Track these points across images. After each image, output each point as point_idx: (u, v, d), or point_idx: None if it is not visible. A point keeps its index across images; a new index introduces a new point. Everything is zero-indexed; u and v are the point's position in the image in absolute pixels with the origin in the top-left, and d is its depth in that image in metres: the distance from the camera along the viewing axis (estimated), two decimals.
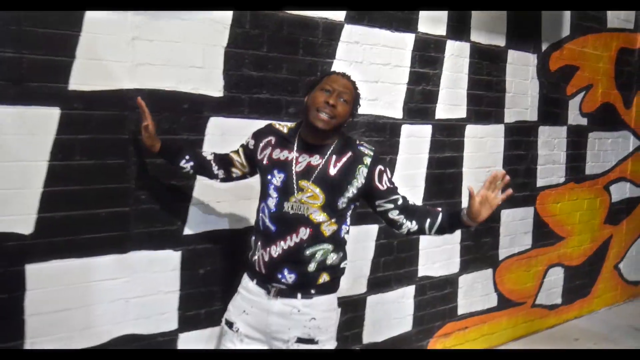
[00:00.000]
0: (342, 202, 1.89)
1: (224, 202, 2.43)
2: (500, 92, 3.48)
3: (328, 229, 1.89)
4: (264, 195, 1.95)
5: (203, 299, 2.42)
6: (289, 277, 1.88)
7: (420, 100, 3.06)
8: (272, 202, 1.90)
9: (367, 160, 1.90)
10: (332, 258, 1.92)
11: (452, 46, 3.16)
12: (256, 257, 1.94)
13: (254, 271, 1.97)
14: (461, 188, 3.33)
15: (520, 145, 3.66)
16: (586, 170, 4.19)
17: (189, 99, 2.28)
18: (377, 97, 2.86)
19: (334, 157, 1.90)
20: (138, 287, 2.25)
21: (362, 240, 2.92)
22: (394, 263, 3.08)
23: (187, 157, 2.11)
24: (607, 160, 4.36)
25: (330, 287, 1.97)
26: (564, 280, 4.19)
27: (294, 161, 1.90)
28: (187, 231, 2.34)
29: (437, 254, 3.28)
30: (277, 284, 1.89)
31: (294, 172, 1.88)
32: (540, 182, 3.84)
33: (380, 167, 1.92)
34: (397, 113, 2.97)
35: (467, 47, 3.24)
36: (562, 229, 4.08)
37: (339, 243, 1.94)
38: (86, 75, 2.03)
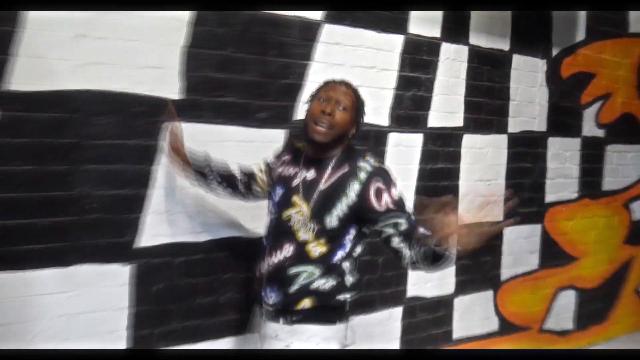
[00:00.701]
0: (330, 221, 1.71)
1: (180, 213, 2.25)
2: (504, 99, 3.21)
3: (315, 250, 1.73)
4: (269, 211, 1.89)
5: (157, 318, 2.24)
6: (270, 296, 1.78)
7: (410, 106, 2.83)
8: (271, 217, 1.85)
9: (363, 176, 1.70)
10: (319, 283, 1.74)
11: (447, 49, 2.92)
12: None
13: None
14: (457, 202, 3.07)
15: (526, 158, 3.38)
16: (603, 185, 3.87)
17: (141, 102, 2.11)
18: None
19: (329, 171, 1.76)
20: (83, 303, 2.08)
21: None
22: (378, 282, 2.85)
23: (215, 173, 2.08)
24: (627, 175, 4.01)
25: (316, 315, 1.75)
26: (577, 304, 3.86)
27: (294, 176, 1.82)
28: (139, 244, 2.17)
29: (430, 274, 3.03)
30: (265, 305, 1.81)
31: (290, 187, 1.81)
32: (549, 198, 3.54)
33: (378, 184, 1.69)
34: (383, 120, 2.75)
35: (465, 51, 3.00)
36: (574, 249, 3.76)
37: (330, 269, 1.74)
38: (25, 74, 1.88)
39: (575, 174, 3.67)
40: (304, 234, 1.73)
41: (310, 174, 1.78)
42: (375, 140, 2.73)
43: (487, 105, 3.13)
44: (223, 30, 2.26)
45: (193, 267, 2.30)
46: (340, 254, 1.75)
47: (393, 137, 2.78)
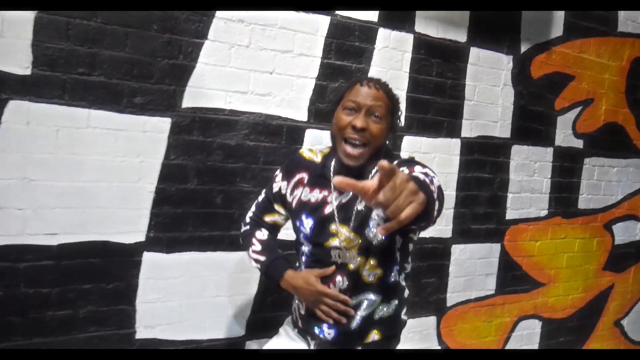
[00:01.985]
0: (371, 234, 1.50)
1: (27, 209, 1.90)
2: (457, 98, 2.80)
3: (369, 274, 1.54)
4: (298, 241, 1.66)
5: None
6: (328, 333, 1.57)
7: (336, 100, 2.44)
8: (307, 249, 1.61)
9: None
10: (382, 311, 1.58)
11: (386, 36, 2.53)
12: (294, 306, 1.71)
13: (293, 319, 1.72)
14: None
15: (483, 167, 2.95)
16: (579, 203, 3.41)
17: None
18: (269, 91, 2.27)
19: None
20: None
21: (245, 271, 2.33)
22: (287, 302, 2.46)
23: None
24: (611, 192, 3.55)
25: (384, 345, 1.60)
26: (542, 335, 3.42)
27: (323, 202, 1.56)
28: None
29: None
30: (320, 340, 1.60)
31: (323, 216, 1.55)
32: (511, 214, 3.11)
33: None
34: (299, 114, 2.36)
35: (409, 39, 2.60)
36: (541, 273, 3.32)
37: (389, 291, 1.58)
38: None
39: (545, 188, 3.23)
40: (353, 260, 1.52)
41: (345, 196, 1.54)
42: (289, 136, 2.35)
43: (435, 103, 2.73)
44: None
45: (43, 274, 1.95)
46: (395, 270, 1.57)
47: (312, 134, 2.40)
